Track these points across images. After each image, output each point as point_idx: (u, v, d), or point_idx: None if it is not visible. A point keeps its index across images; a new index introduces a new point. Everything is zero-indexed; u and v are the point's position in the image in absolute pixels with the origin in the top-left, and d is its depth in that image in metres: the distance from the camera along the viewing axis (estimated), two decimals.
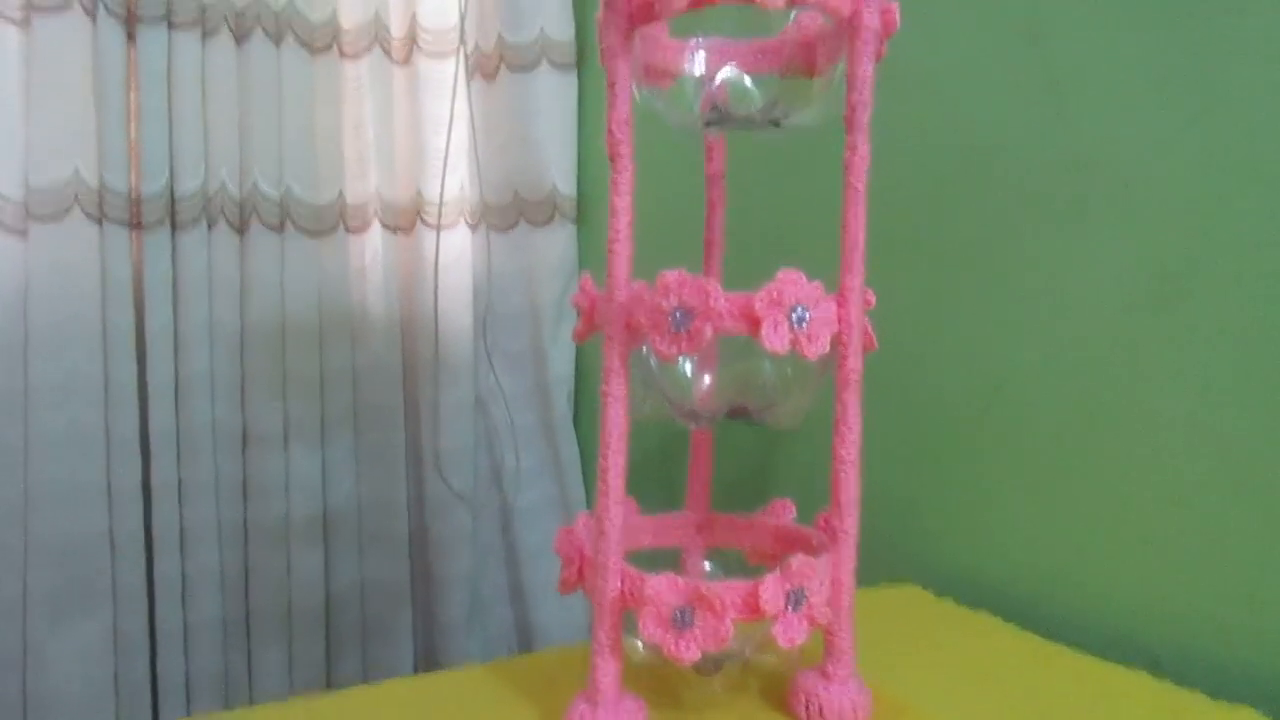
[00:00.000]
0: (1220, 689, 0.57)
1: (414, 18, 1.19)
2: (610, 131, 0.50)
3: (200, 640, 1.06)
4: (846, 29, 0.50)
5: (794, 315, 0.48)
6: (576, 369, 1.28)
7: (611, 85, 0.50)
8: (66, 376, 0.99)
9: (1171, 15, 0.64)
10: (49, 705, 1.00)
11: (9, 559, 0.98)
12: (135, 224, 1.02)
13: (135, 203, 1.02)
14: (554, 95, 1.24)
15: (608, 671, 0.50)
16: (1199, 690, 0.57)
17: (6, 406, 0.98)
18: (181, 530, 1.04)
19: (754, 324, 0.47)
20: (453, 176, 1.21)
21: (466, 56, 1.21)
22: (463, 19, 1.20)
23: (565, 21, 1.24)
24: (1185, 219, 0.63)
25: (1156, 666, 0.61)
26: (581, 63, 1.26)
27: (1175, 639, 0.63)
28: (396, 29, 1.19)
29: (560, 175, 1.25)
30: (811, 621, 0.50)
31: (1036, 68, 0.72)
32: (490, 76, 1.25)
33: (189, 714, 1.05)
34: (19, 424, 0.98)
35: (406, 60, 1.20)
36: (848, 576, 0.52)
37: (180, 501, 1.04)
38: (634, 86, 0.53)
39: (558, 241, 1.26)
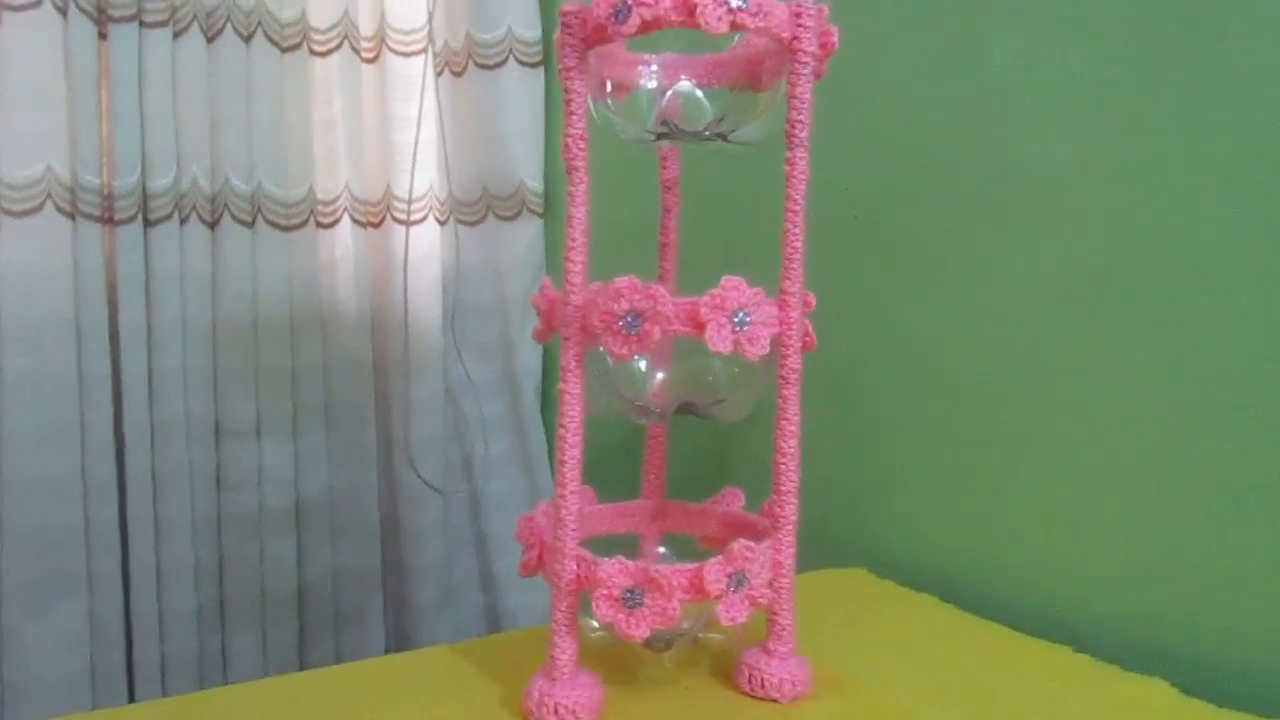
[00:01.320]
0: (1135, 663, 0.62)
1: (383, 16, 1.21)
2: (567, 145, 0.54)
3: (175, 627, 1.08)
4: (787, 51, 0.54)
5: (736, 318, 0.51)
6: (544, 361, 1.31)
7: (568, 102, 0.54)
8: (41, 371, 1.01)
9: (1096, 37, 0.68)
10: (27, 692, 1.02)
11: None
12: (108, 219, 1.04)
13: (108, 198, 1.04)
14: (521, 92, 1.27)
15: (565, 649, 0.54)
16: (1115, 664, 0.62)
17: None
18: (156, 521, 1.06)
19: (699, 326, 0.51)
20: (422, 172, 1.24)
21: (435, 54, 1.23)
22: (431, 18, 1.22)
23: (532, 20, 1.27)
24: (1106, 225, 0.68)
25: (1078, 642, 0.65)
26: (548, 60, 1.29)
27: (1095, 617, 0.68)
28: (365, 27, 1.21)
29: (528, 170, 1.27)
30: (753, 601, 0.54)
31: (973, 81, 0.76)
32: (459, 73, 1.27)
33: (159, 699, 1.07)
34: None
35: (376, 58, 1.22)
36: (788, 559, 0.56)
37: (155, 493, 1.06)
38: (590, 100, 0.57)
39: (525, 235, 1.29)
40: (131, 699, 1.06)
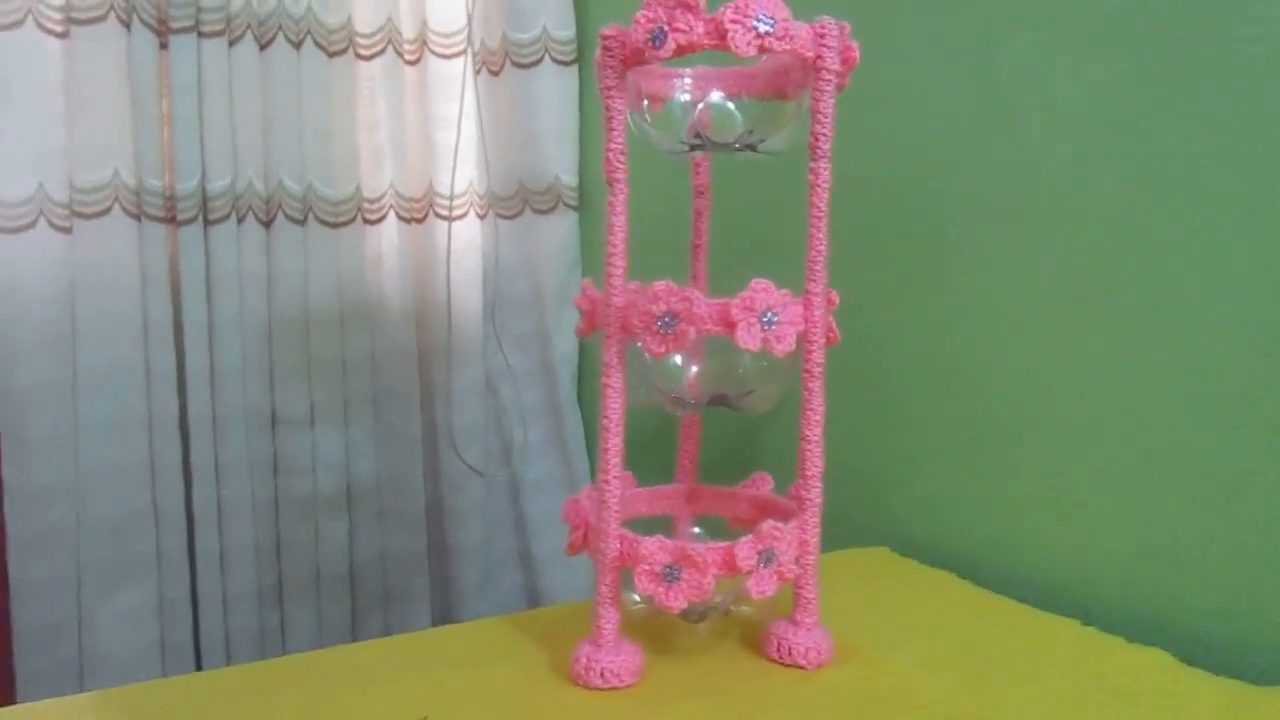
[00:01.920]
0: (1138, 635, 0.66)
1: (424, 20, 1.26)
2: (608, 160, 0.58)
3: (237, 605, 1.15)
4: (810, 68, 0.58)
5: (764, 318, 0.56)
6: (580, 349, 1.36)
7: (609, 119, 0.58)
8: (111, 365, 1.07)
9: (1101, 50, 0.72)
10: (102, 666, 1.09)
11: (63, 534, 1.07)
12: (171, 220, 1.10)
13: (170, 200, 1.10)
14: (556, 89, 1.31)
15: (609, 619, 0.59)
16: (1120, 636, 0.66)
17: (57, 393, 1.06)
18: (219, 505, 1.13)
19: (730, 326, 0.56)
20: (462, 169, 1.29)
21: (473, 55, 1.28)
22: (470, 21, 1.27)
23: (567, 19, 1.31)
24: (1110, 225, 0.71)
25: (1087, 616, 0.69)
26: (582, 59, 1.33)
27: (1101, 593, 0.72)
28: (408, 31, 1.26)
29: (562, 165, 1.32)
30: (780, 577, 0.59)
31: (987, 90, 0.80)
32: (496, 72, 1.32)
33: (225, 668, 1.14)
34: (69, 410, 1.06)
35: (418, 60, 1.27)
36: (813, 538, 0.61)
37: (217, 479, 1.13)
38: (629, 113, 0.61)
39: (560, 228, 1.33)
40: (198, 672, 1.13)
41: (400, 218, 1.26)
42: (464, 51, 1.27)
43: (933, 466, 0.86)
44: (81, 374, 1.07)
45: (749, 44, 0.54)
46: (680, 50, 0.55)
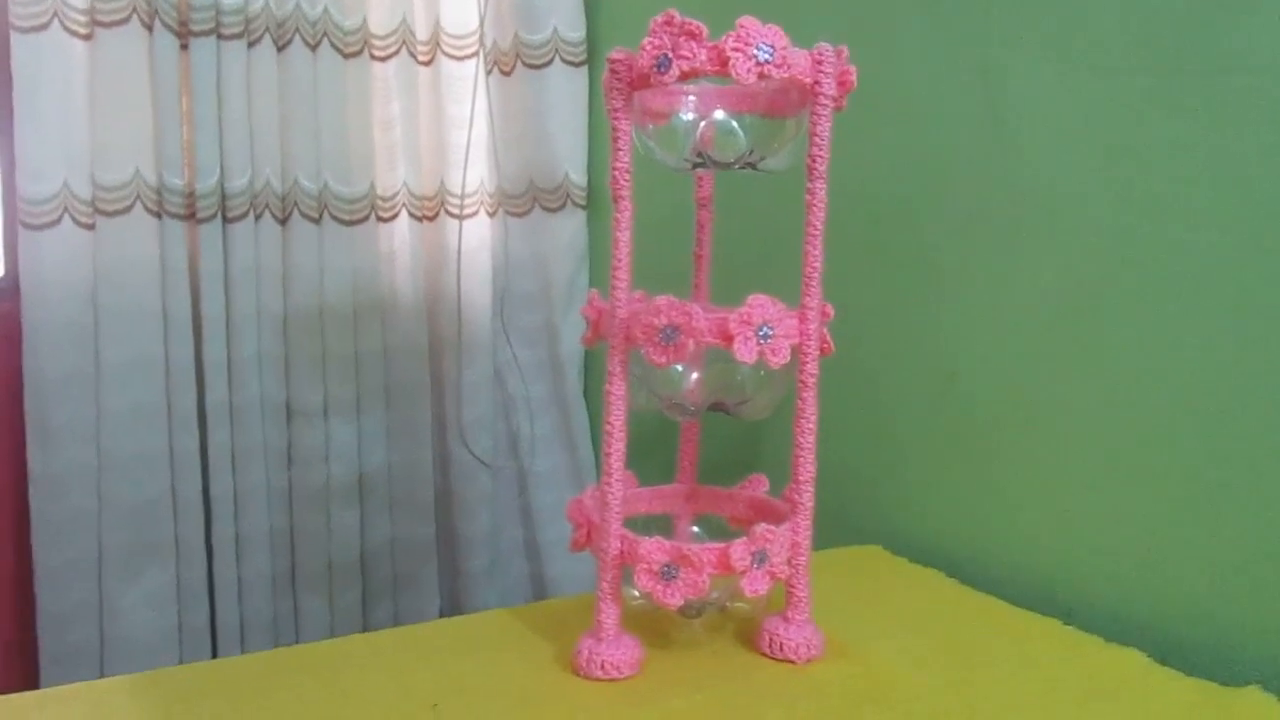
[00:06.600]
0: (1115, 635, 0.69)
1: (437, 22, 1.29)
2: (614, 178, 0.61)
3: (252, 591, 1.18)
4: (809, 92, 0.61)
5: (761, 332, 0.59)
6: None
7: (615, 139, 0.61)
8: (132, 357, 1.10)
9: (1099, 70, 0.74)
10: (123, 649, 1.12)
11: (86, 520, 1.11)
12: (191, 217, 1.13)
13: (190, 198, 1.13)
14: (566, 90, 1.33)
15: (610, 614, 0.62)
16: (1099, 636, 0.69)
17: (80, 384, 1.09)
18: (235, 494, 1.16)
19: (728, 339, 0.59)
20: (473, 169, 1.32)
21: (485, 56, 1.31)
22: (482, 23, 1.30)
23: (577, 21, 1.33)
24: (1100, 242, 0.74)
25: (1068, 616, 0.72)
26: (592, 59, 1.35)
27: (1083, 594, 0.75)
28: (422, 33, 1.28)
29: (572, 164, 1.34)
30: (773, 576, 0.62)
31: (986, 108, 0.82)
32: (507, 72, 1.34)
33: (243, 655, 1.18)
34: (92, 400, 1.10)
35: (431, 61, 1.30)
36: (805, 540, 0.64)
37: (234, 468, 1.16)
38: (634, 129, 0.64)
39: (569, 226, 1.36)
40: (214, 655, 1.17)
41: (412, 215, 1.28)
42: (476, 53, 1.30)
43: (926, 470, 0.89)
44: (104, 365, 1.10)
45: (749, 71, 0.57)
46: (684, 76, 0.57)
